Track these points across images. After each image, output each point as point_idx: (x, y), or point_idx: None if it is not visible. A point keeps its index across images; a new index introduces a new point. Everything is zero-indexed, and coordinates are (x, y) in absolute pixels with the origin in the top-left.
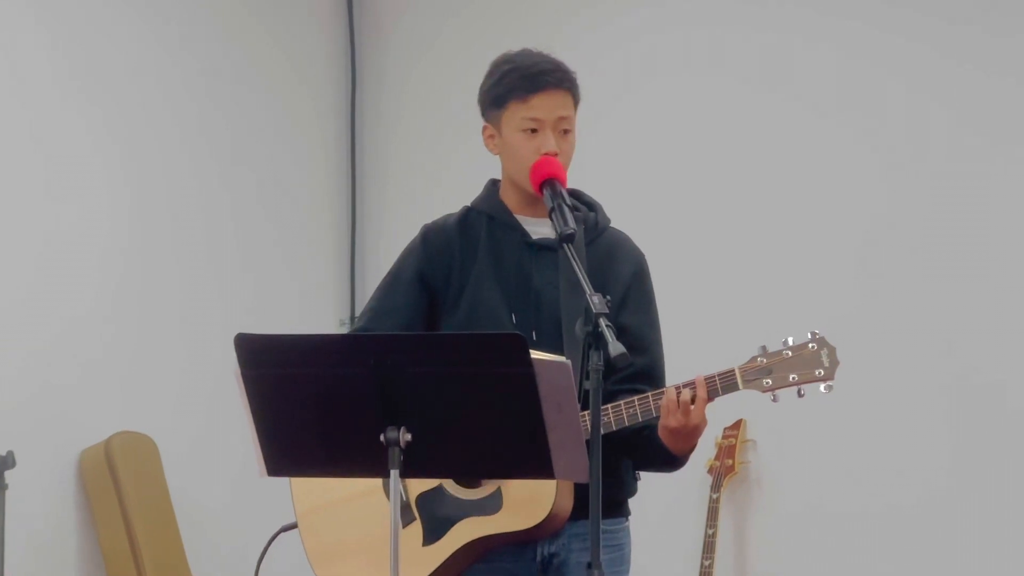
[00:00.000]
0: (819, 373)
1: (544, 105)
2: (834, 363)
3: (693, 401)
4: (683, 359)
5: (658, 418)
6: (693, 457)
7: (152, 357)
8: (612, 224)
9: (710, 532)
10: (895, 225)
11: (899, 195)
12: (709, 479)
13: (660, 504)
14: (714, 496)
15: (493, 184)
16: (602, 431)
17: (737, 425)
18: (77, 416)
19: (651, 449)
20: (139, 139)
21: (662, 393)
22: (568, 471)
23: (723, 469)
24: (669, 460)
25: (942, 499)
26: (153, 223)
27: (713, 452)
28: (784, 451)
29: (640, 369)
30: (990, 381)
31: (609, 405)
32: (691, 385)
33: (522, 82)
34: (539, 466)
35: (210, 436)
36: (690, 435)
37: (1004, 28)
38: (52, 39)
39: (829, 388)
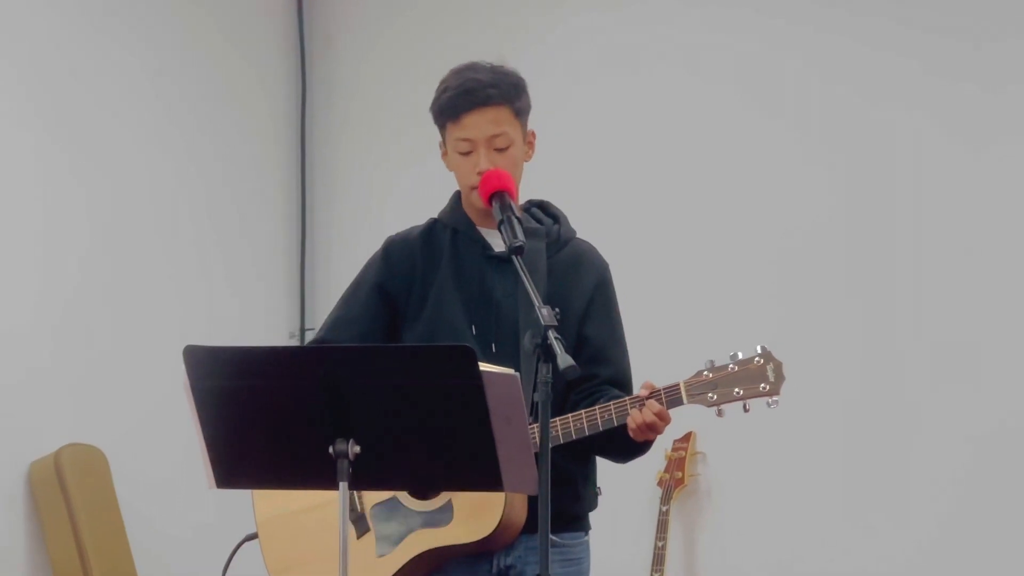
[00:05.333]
0: (764, 388)
1: (474, 124)
2: (779, 378)
3: (660, 416)
4: (645, 366)
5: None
6: (644, 469)
7: (102, 369)
8: (579, 233)
9: (660, 544)
10: (858, 237)
11: (863, 206)
12: (659, 491)
13: (610, 516)
14: (664, 508)
15: (458, 196)
16: (573, 436)
17: (687, 438)
18: (26, 428)
19: (621, 445)
20: (89, 148)
21: (637, 400)
22: (517, 484)
23: (673, 481)
24: (636, 449)
25: (892, 508)
26: (102, 234)
27: (663, 464)
28: (733, 463)
29: (606, 379)
30: (941, 392)
31: (583, 411)
32: (639, 402)
33: (452, 102)
34: (488, 479)
35: (160, 448)
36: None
37: (964, 34)
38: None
39: (775, 403)
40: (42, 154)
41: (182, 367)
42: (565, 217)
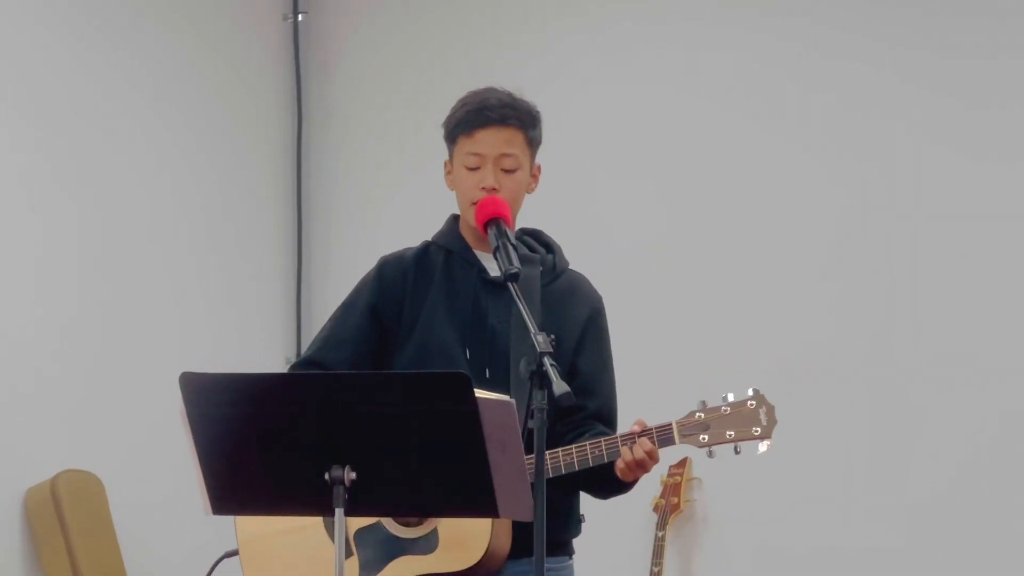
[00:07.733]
0: (756, 431)
1: (487, 140)
2: (772, 422)
3: (650, 455)
4: (637, 400)
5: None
6: (640, 495)
7: (98, 395)
8: (579, 252)
9: (656, 570)
10: (857, 249)
11: (863, 218)
12: (655, 517)
13: (606, 542)
14: (660, 534)
15: (454, 219)
16: (563, 471)
17: (683, 463)
18: (22, 454)
19: (604, 481)
20: (83, 173)
21: (629, 437)
22: (512, 510)
23: (668, 507)
24: (620, 487)
25: (892, 530)
26: (98, 259)
27: (659, 490)
28: (729, 489)
29: (592, 412)
30: (934, 417)
31: (573, 446)
32: (631, 439)
33: (468, 117)
34: (484, 505)
35: (157, 474)
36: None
37: (956, 52)
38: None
39: (767, 447)
40: (37, 179)
41: (178, 394)
42: (559, 247)
